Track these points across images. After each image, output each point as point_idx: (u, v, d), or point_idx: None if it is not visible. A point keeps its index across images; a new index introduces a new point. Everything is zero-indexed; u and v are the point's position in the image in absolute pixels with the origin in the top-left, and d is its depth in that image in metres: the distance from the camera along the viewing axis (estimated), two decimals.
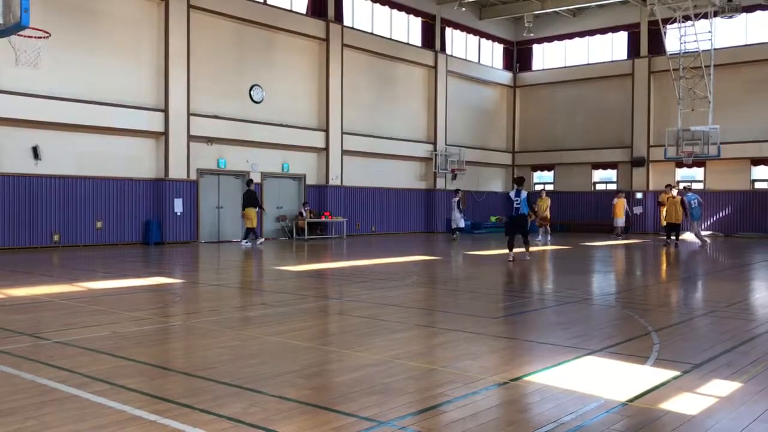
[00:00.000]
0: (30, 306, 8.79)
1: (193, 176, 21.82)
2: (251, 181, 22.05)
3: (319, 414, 4.30)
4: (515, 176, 17.10)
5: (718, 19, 26.79)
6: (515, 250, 16.03)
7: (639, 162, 30.88)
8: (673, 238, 21.97)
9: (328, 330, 7.66)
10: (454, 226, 25.12)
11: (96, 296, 9.84)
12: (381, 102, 28.23)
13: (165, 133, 20.90)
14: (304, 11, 25.09)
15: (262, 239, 22.39)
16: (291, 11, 24.53)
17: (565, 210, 32.08)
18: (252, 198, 21.29)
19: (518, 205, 15.84)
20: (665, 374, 5.26)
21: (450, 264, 16.08)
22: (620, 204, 26.10)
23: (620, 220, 26.02)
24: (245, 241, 21.32)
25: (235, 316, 8.13)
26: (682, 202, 21.59)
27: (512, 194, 16.13)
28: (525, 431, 4.03)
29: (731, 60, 28.27)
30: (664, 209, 22.79)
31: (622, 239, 25.30)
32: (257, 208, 21.44)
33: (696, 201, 21.74)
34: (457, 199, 25.16)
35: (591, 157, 32.56)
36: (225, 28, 22.74)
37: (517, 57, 35.00)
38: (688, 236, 26.05)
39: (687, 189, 22.69)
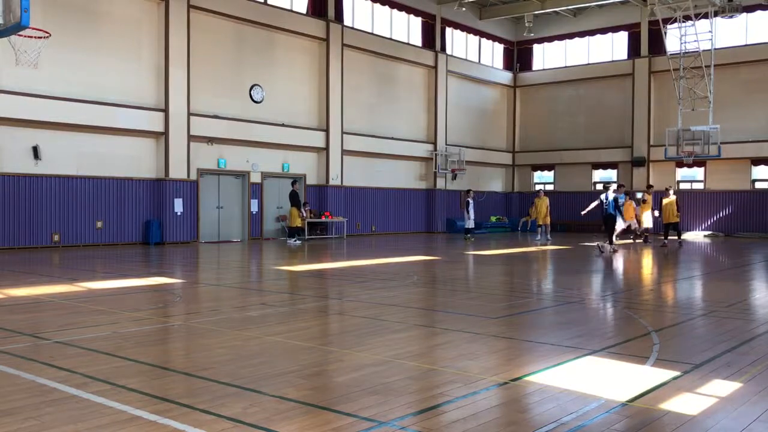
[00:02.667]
0: (30, 306, 8.78)
1: (193, 176, 21.82)
2: (295, 181, 23.43)
3: (319, 414, 4.30)
4: (604, 183, 19.25)
5: (718, 19, 26.81)
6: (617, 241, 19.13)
7: (639, 162, 30.86)
8: (675, 237, 22.04)
9: (328, 330, 7.66)
10: (467, 226, 25.46)
11: (96, 296, 9.84)
12: (381, 102, 28.23)
13: (165, 133, 20.90)
14: (304, 11, 25.09)
15: (297, 240, 22.63)
16: (291, 11, 24.53)
17: (565, 210, 32.07)
18: (293, 198, 22.53)
19: (606, 206, 18.79)
20: (665, 374, 5.26)
21: (450, 264, 16.08)
22: (630, 206, 24.26)
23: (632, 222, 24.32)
24: (292, 239, 22.39)
25: (235, 316, 8.12)
26: (677, 201, 21.99)
27: (603, 197, 19.06)
28: (525, 431, 4.03)
29: (731, 60, 28.27)
30: (644, 211, 23.23)
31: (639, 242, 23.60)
32: (298, 208, 22.60)
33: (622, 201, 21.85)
34: (470, 199, 25.44)
35: (591, 157, 32.55)
36: (225, 28, 22.73)
37: (518, 57, 34.99)
38: (688, 235, 26.01)
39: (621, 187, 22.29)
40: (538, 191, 26.38)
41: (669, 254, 18.90)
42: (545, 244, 22.71)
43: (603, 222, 19.24)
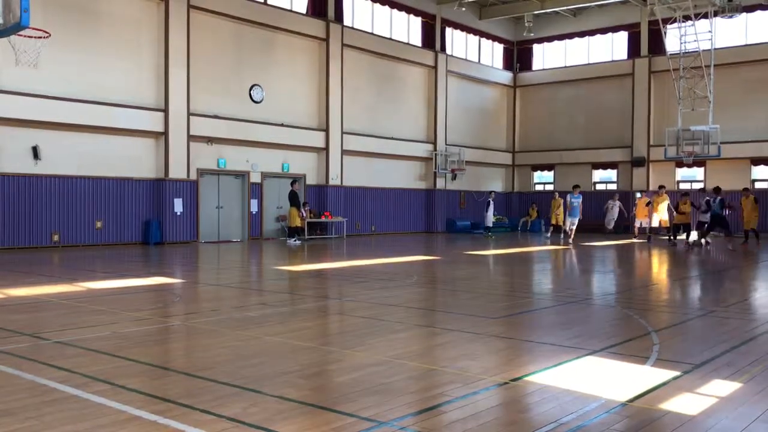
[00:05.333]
0: (30, 306, 8.78)
1: (193, 176, 21.82)
2: (294, 181, 23.51)
3: (319, 414, 4.30)
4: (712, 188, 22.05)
5: (718, 19, 26.78)
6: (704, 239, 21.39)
7: (639, 162, 30.87)
8: (682, 237, 22.26)
9: (328, 330, 7.66)
10: (486, 224, 27.12)
11: (96, 296, 9.84)
12: (381, 102, 28.22)
13: (165, 133, 20.90)
14: (304, 11, 25.08)
15: (297, 240, 22.69)
16: (291, 11, 24.52)
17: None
18: (292, 198, 22.63)
19: (714, 208, 20.76)
20: (665, 374, 5.26)
21: (450, 264, 16.07)
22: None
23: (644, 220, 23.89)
24: (292, 239, 22.45)
25: (235, 316, 8.12)
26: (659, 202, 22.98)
27: (709, 198, 21.05)
28: (525, 431, 4.03)
29: (731, 60, 28.26)
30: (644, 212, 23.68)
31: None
32: (297, 208, 22.67)
33: (578, 202, 23.12)
34: (490, 200, 26.82)
35: (591, 157, 32.55)
36: (225, 28, 22.73)
37: (517, 57, 34.98)
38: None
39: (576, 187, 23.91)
40: (554, 192, 27.97)
41: (671, 254, 18.90)
42: (561, 244, 22.83)
43: (710, 221, 21.24)
